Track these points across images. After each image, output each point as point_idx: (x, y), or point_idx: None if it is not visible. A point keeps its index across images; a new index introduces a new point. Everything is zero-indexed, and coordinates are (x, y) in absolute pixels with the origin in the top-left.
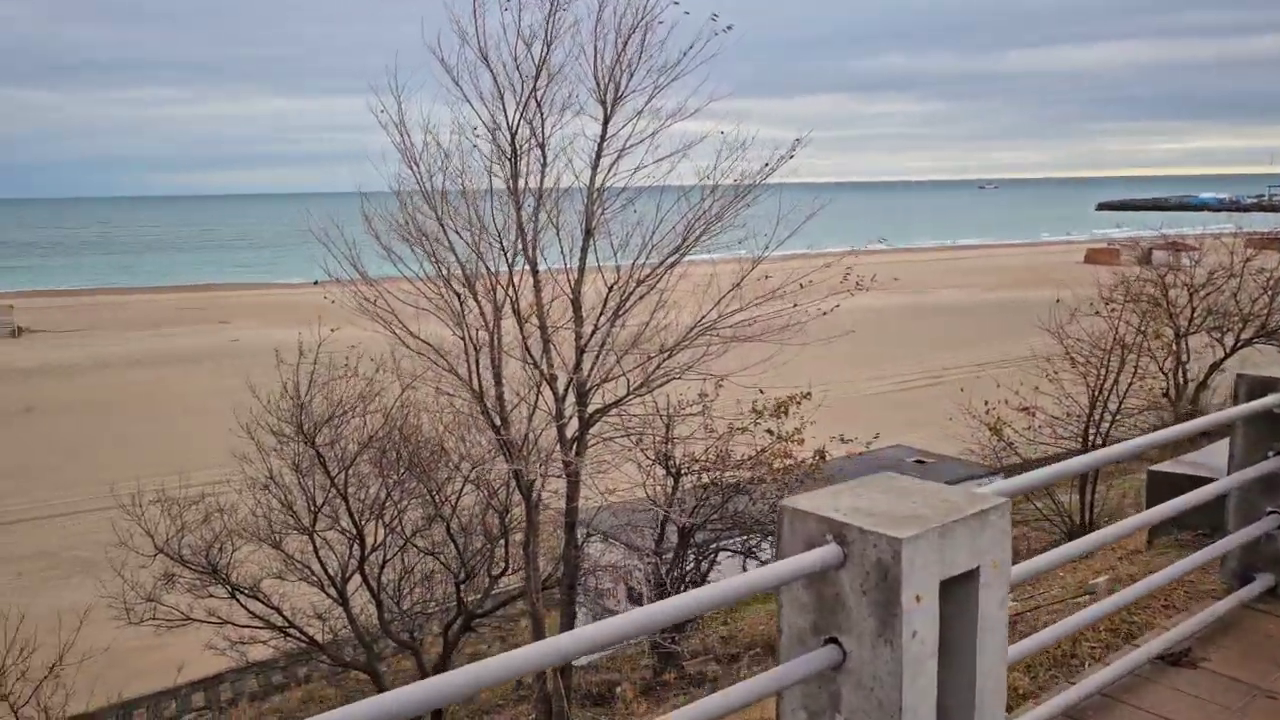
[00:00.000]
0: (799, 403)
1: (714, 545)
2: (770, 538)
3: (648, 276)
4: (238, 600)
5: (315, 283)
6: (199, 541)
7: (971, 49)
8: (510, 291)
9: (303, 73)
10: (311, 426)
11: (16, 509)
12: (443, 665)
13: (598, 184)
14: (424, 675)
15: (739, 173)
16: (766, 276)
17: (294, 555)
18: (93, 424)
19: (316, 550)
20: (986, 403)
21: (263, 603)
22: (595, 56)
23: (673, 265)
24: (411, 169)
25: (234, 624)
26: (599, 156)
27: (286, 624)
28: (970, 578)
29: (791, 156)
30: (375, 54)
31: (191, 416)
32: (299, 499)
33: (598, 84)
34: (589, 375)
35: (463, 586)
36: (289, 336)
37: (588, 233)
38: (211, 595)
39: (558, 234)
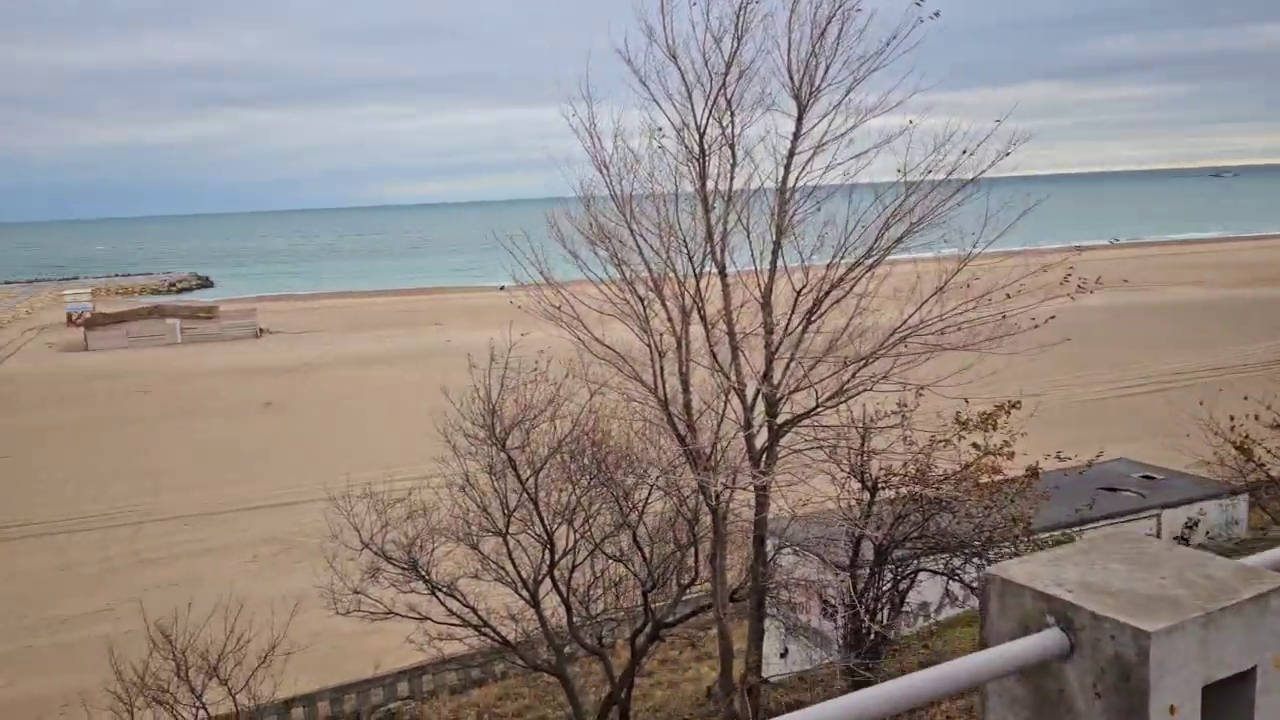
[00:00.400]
0: (1008, 413)
1: (913, 564)
2: (976, 559)
3: (842, 279)
4: (436, 597)
5: (501, 288)
6: (402, 538)
7: (1205, 25)
8: (697, 296)
9: (523, 82)
10: (502, 430)
11: (256, 495)
12: (629, 673)
13: (790, 183)
14: (612, 681)
15: (943, 168)
16: (975, 279)
17: (489, 556)
18: (321, 417)
19: (510, 552)
20: (1233, 419)
21: (459, 601)
22: (789, 49)
23: (872, 266)
24: (600, 172)
25: (432, 620)
26: (792, 155)
27: (481, 623)
28: (1243, 681)
29: (1008, 154)
30: (591, 62)
31: (405, 414)
32: (493, 501)
33: (791, 78)
34: (779, 384)
35: (650, 594)
36: (494, 338)
37: (779, 234)
38: (413, 590)
39: (748, 236)
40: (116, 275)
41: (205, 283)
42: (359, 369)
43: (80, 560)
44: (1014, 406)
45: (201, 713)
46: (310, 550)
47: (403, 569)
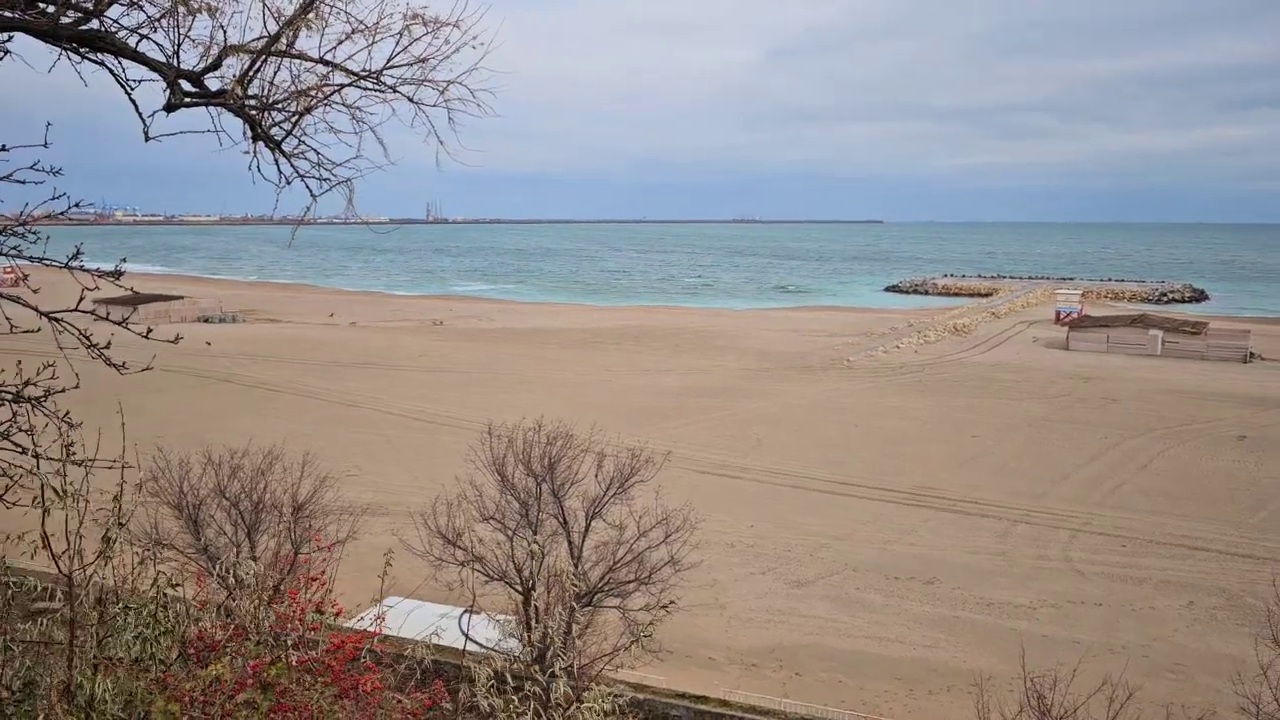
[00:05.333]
0: None
1: None
2: None
3: None
4: None
5: None
6: None
7: None
8: None
9: None
10: None
11: (1210, 537)
12: None
13: None
14: None
15: None
16: None
17: None
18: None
19: None
20: None
21: None
22: None
23: None
24: None
25: None
26: None
27: None
28: None
29: None
30: None
31: None
32: None
33: None
34: None
35: None
36: None
37: None
38: None
39: None
40: (1109, 280)
41: (1199, 295)
42: None
43: (1017, 549)
44: None
45: None
46: (1257, 615)
47: None
